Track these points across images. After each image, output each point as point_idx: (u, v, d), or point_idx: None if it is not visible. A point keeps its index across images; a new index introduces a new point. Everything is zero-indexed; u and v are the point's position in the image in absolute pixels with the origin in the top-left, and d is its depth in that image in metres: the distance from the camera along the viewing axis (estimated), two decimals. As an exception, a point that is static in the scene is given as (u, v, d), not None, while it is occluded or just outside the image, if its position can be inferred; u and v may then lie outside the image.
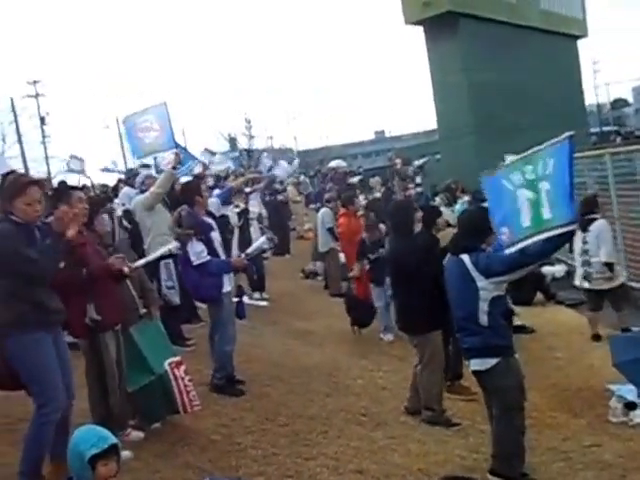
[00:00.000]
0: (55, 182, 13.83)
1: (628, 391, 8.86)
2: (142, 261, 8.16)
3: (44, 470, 6.19)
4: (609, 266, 11.75)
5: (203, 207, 9.51)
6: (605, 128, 71.75)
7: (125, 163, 39.68)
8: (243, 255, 9.84)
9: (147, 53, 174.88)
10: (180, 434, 7.73)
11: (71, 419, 6.46)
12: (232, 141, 66.07)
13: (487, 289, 6.72)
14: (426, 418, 8.81)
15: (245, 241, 13.96)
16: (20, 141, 47.81)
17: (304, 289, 18.43)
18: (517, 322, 11.92)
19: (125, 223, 11.17)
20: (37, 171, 47.60)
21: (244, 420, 8.29)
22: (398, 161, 32.74)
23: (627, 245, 14.96)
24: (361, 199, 19.51)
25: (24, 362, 6.03)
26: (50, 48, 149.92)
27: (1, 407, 7.73)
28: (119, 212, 11.27)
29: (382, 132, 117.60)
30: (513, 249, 6.47)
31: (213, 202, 11.86)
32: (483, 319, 6.74)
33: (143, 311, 8.26)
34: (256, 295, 15.40)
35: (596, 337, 11.93)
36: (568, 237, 6.48)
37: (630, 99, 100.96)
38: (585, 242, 11.83)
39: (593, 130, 57.54)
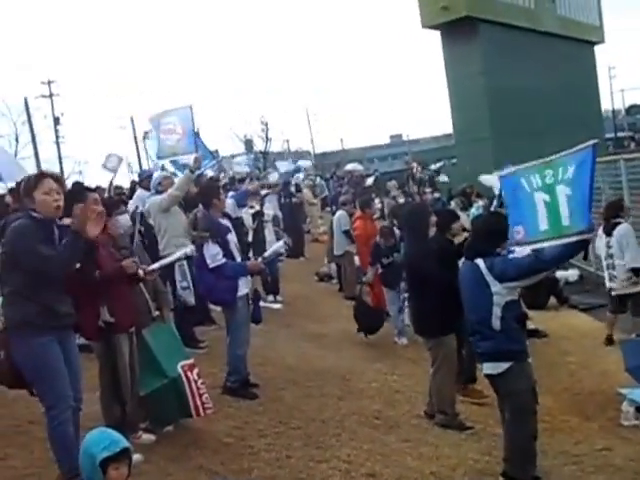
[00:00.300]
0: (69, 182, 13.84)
1: (640, 395, 8.87)
2: (157, 264, 8.11)
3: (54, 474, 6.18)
4: (635, 271, 11.66)
5: (220, 209, 9.44)
6: (620, 134, 71.68)
7: (140, 164, 39.72)
8: (260, 259, 9.75)
9: (161, 53, 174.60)
10: (192, 437, 7.73)
11: (81, 422, 6.40)
12: (248, 143, 66.09)
13: (501, 294, 6.72)
14: (439, 421, 8.83)
15: (259, 243, 13.97)
16: (34, 141, 47.72)
17: (318, 292, 18.43)
18: (530, 326, 11.93)
19: (139, 226, 11.19)
20: (50, 172, 47.66)
21: (257, 423, 8.29)
22: (415, 165, 32.76)
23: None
24: (376, 202, 19.51)
25: (30, 364, 6.00)
26: (65, 49, 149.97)
27: (10, 410, 7.74)
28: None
29: (399, 136, 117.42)
30: (527, 249, 6.47)
31: (229, 203, 11.88)
32: (496, 324, 6.74)
33: (156, 313, 8.24)
34: (270, 298, 15.35)
35: (609, 339, 11.91)
36: (583, 245, 6.45)
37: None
38: (609, 246, 11.81)
39: (608, 136, 57.39)
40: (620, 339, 11.22)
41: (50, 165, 49.47)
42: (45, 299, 5.96)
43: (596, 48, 49.38)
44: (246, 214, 14.12)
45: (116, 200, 9.75)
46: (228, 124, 73.18)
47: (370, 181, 29.87)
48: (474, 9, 35.54)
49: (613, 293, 12.04)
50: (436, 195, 27.33)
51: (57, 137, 55.33)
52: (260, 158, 59.95)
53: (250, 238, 13.91)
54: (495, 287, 6.72)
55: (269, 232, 15.68)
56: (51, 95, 56.47)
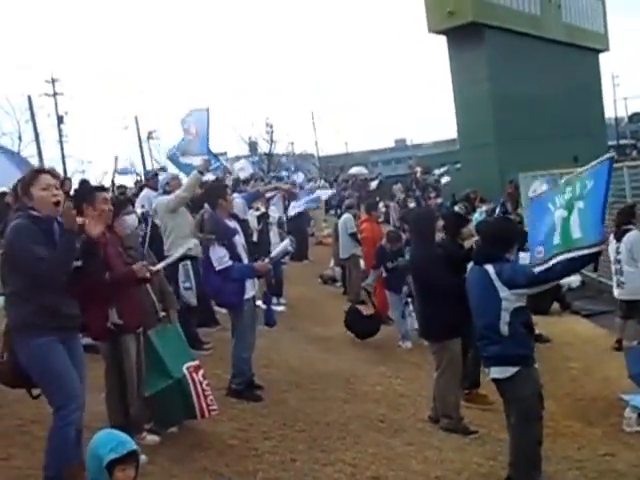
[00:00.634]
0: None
1: (642, 401, 8.92)
2: (161, 264, 8.06)
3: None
4: None
5: (226, 210, 9.36)
6: (622, 141, 71.76)
7: (144, 164, 39.68)
8: (267, 259, 9.66)
9: (165, 54, 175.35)
10: (197, 438, 7.71)
11: (86, 423, 6.30)
12: (252, 145, 66.09)
13: (509, 300, 6.72)
14: (444, 425, 8.83)
15: (264, 245, 13.97)
16: (37, 140, 47.61)
17: (322, 295, 18.46)
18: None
19: (142, 226, 11.19)
20: (53, 171, 47.63)
21: (261, 425, 8.28)
22: (418, 169, 32.81)
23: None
24: (380, 206, 19.56)
25: (34, 366, 5.90)
26: (70, 48, 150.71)
27: (14, 409, 7.70)
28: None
29: (403, 140, 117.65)
30: (543, 268, 6.48)
31: (238, 203, 11.87)
32: (504, 329, 6.73)
33: (162, 314, 8.16)
34: (273, 300, 15.33)
35: (619, 344, 11.87)
36: (594, 257, 6.45)
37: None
38: (618, 252, 11.79)
39: (610, 143, 57.43)
40: (624, 346, 11.21)
41: (53, 164, 49.28)
42: (45, 300, 5.84)
43: (600, 56, 49.50)
44: (251, 216, 14.11)
45: (123, 200, 9.71)
46: (231, 125, 73.15)
47: (374, 185, 29.92)
48: (480, 15, 35.66)
49: (620, 298, 12.02)
50: (438, 200, 27.32)
51: (60, 136, 55.17)
52: (264, 160, 59.96)
53: (255, 239, 13.89)
54: (504, 293, 6.72)
55: (274, 234, 15.71)
56: (55, 94, 56.31)
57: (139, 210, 11.27)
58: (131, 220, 7.89)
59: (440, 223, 9.64)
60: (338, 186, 36.39)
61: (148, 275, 7.19)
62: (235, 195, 12.53)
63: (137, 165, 48.49)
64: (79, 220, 6.06)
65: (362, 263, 16.81)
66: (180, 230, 10.79)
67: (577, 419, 9.44)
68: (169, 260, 8.34)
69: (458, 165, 37.89)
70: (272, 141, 67.22)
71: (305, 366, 11.03)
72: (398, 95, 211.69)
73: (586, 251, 6.14)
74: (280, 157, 65.81)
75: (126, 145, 77.75)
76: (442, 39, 38.47)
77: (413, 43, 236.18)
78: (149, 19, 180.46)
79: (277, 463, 7.31)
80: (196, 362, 7.80)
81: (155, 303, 7.95)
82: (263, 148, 66.45)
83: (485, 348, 7.01)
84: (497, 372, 6.91)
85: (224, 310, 10.32)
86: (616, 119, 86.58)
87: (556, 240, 6.44)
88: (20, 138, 51.79)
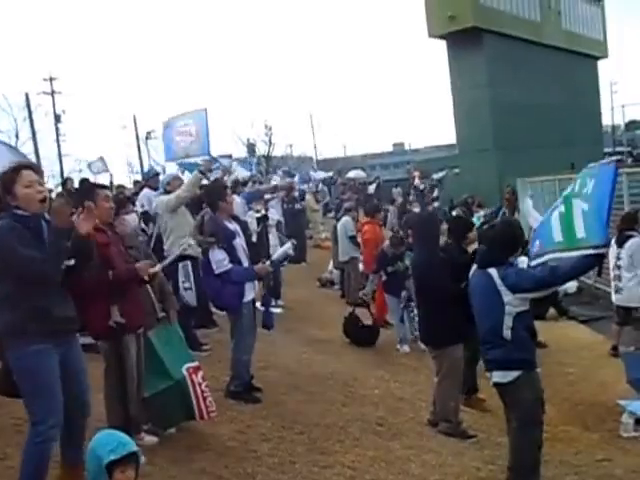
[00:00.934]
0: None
1: (639, 407, 8.95)
2: (160, 265, 8.01)
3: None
4: None
5: (227, 213, 9.31)
6: (618, 149, 71.81)
7: (141, 164, 39.52)
8: (268, 262, 9.64)
9: (165, 54, 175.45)
10: (195, 440, 7.69)
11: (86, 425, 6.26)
12: (250, 147, 66.01)
13: (512, 304, 6.70)
14: (443, 429, 8.84)
15: (263, 247, 13.95)
16: (34, 138, 47.39)
17: (320, 297, 18.46)
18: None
19: (143, 225, 11.18)
20: (50, 170, 47.64)
21: (260, 427, 8.26)
22: (416, 174, 32.81)
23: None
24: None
25: (22, 376, 5.67)
26: (68, 47, 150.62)
27: (10, 408, 7.65)
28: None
29: (401, 144, 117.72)
30: (541, 259, 6.50)
31: (238, 202, 11.85)
32: (507, 333, 6.72)
33: (162, 315, 8.13)
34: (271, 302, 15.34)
35: (615, 350, 11.90)
36: (597, 261, 6.46)
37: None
38: (619, 257, 11.80)
39: (607, 150, 57.54)
40: (622, 351, 11.23)
41: (50, 163, 49.45)
42: (37, 303, 5.59)
43: (599, 63, 49.68)
44: (251, 217, 14.09)
45: (123, 199, 9.71)
46: (230, 126, 73.10)
47: (372, 188, 29.92)
48: (481, 20, 35.81)
49: (617, 304, 12.03)
50: (435, 204, 27.31)
51: (58, 135, 54.98)
52: (263, 162, 59.87)
53: (254, 240, 13.88)
54: (507, 297, 6.70)
55: (273, 237, 15.70)
56: (53, 92, 56.19)
57: (139, 209, 11.29)
58: (131, 219, 7.92)
59: (444, 227, 9.65)
60: (337, 190, 36.41)
61: (147, 278, 7.16)
62: (235, 196, 12.52)
63: (135, 165, 48.22)
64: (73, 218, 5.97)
65: (361, 266, 16.82)
66: (180, 230, 10.77)
67: (574, 424, 9.47)
68: (168, 260, 8.33)
69: (457, 170, 37.91)
70: (271, 143, 67.36)
71: (303, 368, 11.03)
72: (397, 99, 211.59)
73: (590, 251, 6.15)
74: (279, 160, 65.79)
75: (124, 145, 77.68)
76: (442, 44, 38.60)
77: (413, 47, 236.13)
78: (148, 18, 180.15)
79: (276, 465, 7.31)
80: (196, 363, 7.78)
81: (155, 303, 7.94)
82: (261, 150, 66.52)
83: (487, 352, 7.01)
84: (499, 376, 6.89)
85: (223, 312, 10.27)
86: (613, 126, 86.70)
87: (557, 237, 6.46)
88: (17, 136, 51.65)
